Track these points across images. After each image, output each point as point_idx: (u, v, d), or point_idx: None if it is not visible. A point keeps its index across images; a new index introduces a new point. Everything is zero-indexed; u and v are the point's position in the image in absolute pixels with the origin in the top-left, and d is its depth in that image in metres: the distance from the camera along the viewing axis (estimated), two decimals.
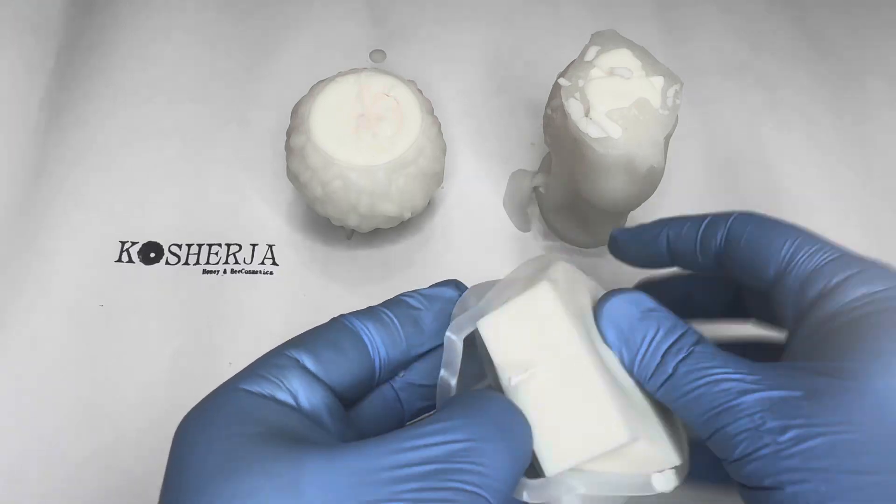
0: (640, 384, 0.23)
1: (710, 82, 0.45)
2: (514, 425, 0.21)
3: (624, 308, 0.23)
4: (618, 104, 0.31)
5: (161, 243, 0.38)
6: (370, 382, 0.24)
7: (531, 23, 0.46)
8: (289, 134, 0.34)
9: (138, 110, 0.41)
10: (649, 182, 0.32)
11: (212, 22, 0.45)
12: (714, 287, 0.29)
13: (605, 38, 0.33)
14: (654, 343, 0.22)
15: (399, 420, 0.25)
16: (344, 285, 0.37)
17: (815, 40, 0.46)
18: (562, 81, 0.32)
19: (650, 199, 0.33)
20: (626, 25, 0.36)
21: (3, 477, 0.32)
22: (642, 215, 0.40)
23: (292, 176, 0.34)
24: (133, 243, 0.37)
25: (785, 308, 0.24)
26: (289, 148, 0.34)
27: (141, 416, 0.33)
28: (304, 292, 0.37)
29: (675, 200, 0.40)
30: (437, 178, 0.35)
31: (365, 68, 0.35)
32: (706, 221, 0.26)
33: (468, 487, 0.19)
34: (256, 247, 0.38)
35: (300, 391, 0.21)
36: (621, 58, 0.32)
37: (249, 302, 0.36)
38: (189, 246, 0.38)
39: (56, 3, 0.44)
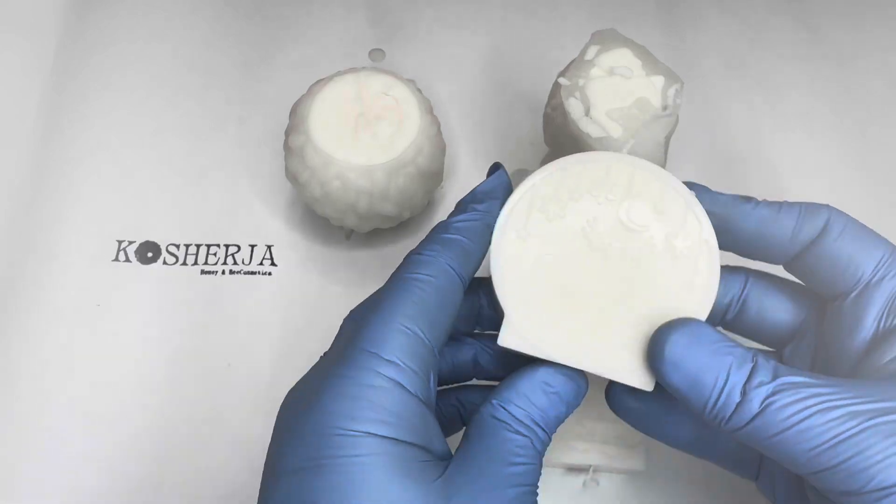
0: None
1: (711, 82, 0.44)
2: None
3: (688, 348, 0.21)
4: (618, 103, 0.31)
5: (158, 243, 0.37)
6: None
7: (531, 22, 0.46)
8: (287, 134, 0.34)
9: (136, 109, 0.41)
10: None
11: (210, 21, 0.44)
12: None
13: (606, 38, 0.33)
14: (730, 381, 0.20)
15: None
16: (343, 285, 0.37)
17: (816, 40, 0.46)
18: (562, 81, 0.32)
19: None
20: (626, 24, 0.36)
21: None
22: None
23: (291, 176, 0.34)
24: (130, 242, 0.37)
25: (860, 318, 0.23)
26: (287, 148, 0.34)
27: (138, 417, 0.33)
28: (302, 293, 0.37)
29: None
30: (436, 177, 0.35)
31: (364, 67, 0.35)
32: (803, 207, 0.24)
33: None
34: (255, 247, 0.38)
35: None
36: (621, 57, 0.32)
37: (248, 302, 0.36)
38: (187, 246, 0.37)
39: (54, 3, 0.44)
